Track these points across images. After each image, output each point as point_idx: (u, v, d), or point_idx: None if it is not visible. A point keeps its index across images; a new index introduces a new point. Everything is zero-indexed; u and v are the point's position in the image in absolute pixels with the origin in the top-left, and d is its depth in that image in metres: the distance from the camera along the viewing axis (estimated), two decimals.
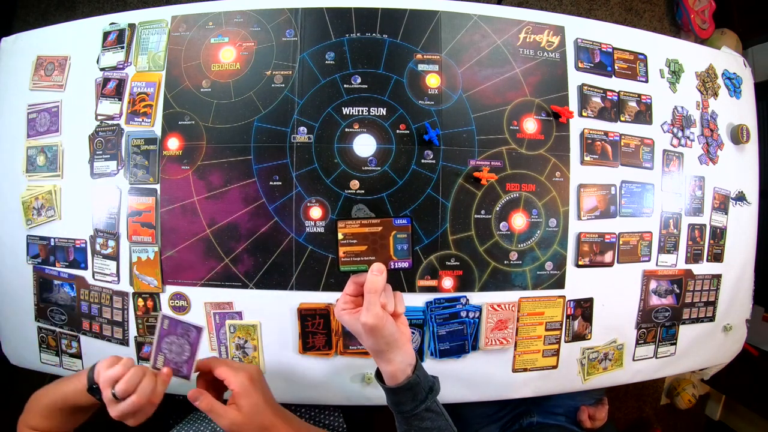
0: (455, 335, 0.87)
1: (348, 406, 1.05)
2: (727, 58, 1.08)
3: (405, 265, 0.58)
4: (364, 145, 0.85)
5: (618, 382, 0.98)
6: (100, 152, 0.89)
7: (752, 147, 1.08)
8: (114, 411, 0.56)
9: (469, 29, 0.89)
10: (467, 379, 0.90)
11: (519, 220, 0.89)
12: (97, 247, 0.89)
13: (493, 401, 0.95)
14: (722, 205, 1.03)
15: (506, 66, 0.89)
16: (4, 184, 0.95)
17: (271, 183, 0.85)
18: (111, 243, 0.88)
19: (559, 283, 0.91)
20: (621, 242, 0.93)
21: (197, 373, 0.64)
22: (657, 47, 0.99)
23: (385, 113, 0.86)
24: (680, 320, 1.01)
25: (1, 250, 0.97)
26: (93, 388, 0.60)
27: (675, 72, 1.00)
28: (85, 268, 0.90)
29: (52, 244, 0.92)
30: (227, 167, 0.85)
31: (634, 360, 0.98)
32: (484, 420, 1.06)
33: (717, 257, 1.03)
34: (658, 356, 0.99)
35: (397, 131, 0.86)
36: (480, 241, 0.87)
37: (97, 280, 0.90)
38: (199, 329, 0.63)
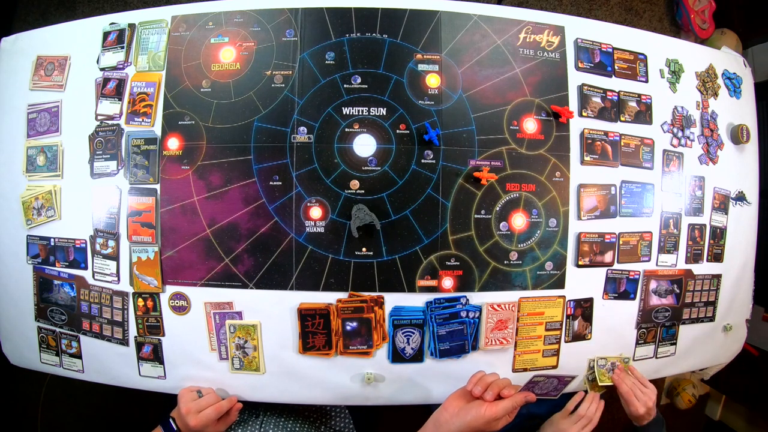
0: (455, 335, 0.87)
1: (350, 406, 1.06)
2: (727, 58, 1.08)
3: None
4: (364, 145, 0.85)
5: None
6: (100, 152, 0.89)
7: (752, 147, 1.08)
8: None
9: (469, 29, 0.89)
10: (467, 379, 0.90)
11: (519, 220, 0.89)
12: (97, 247, 0.89)
13: None
14: (722, 205, 1.03)
15: (506, 66, 0.89)
16: (4, 184, 0.95)
17: (271, 183, 0.85)
18: (111, 243, 0.88)
19: (559, 283, 0.91)
20: (621, 242, 0.93)
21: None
22: (657, 47, 0.99)
23: (385, 113, 0.86)
24: (680, 320, 1.01)
25: (1, 250, 0.97)
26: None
27: (675, 72, 1.00)
28: (85, 268, 0.90)
29: (52, 244, 0.92)
30: (227, 167, 0.85)
31: (634, 360, 0.98)
32: None
33: (717, 257, 1.03)
34: (658, 356, 0.99)
35: (397, 131, 0.86)
36: (480, 241, 0.87)
37: (97, 280, 0.90)
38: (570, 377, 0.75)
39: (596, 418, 0.90)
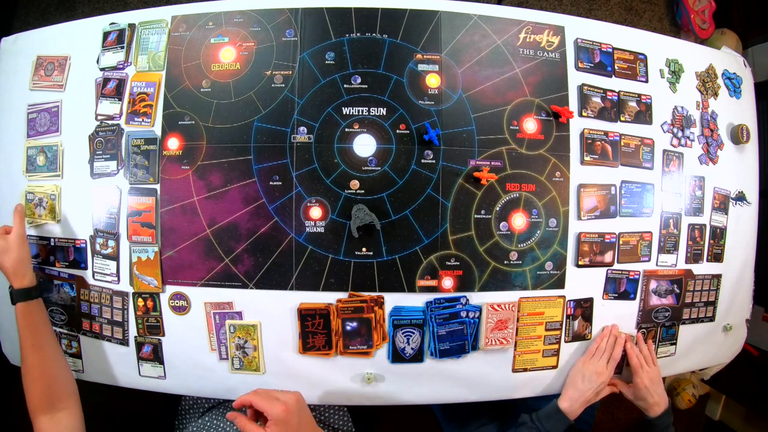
0: (455, 335, 0.87)
1: (349, 406, 1.06)
2: (727, 58, 1.08)
3: None
4: (364, 145, 0.85)
5: None
6: (100, 152, 0.89)
7: (752, 147, 1.08)
8: None
9: (469, 29, 0.89)
10: (467, 379, 0.90)
11: (519, 220, 0.89)
12: (97, 247, 0.89)
13: (491, 402, 0.95)
14: (722, 205, 1.03)
15: (506, 66, 0.89)
16: (4, 184, 0.95)
17: (271, 183, 0.85)
18: (111, 243, 0.88)
19: (559, 283, 0.91)
20: (621, 242, 0.93)
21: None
22: (657, 47, 0.99)
23: (385, 113, 0.86)
24: (680, 320, 1.01)
25: None
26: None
27: (675, 72, 1.00)
28: (85, 268, 0.90)
29: (52, 244, 0.92)
30: (227, 167, 0.85)
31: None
32: (483, 419, 1.06)
33: (717, 257, 1.03)
34: (658, 356, 0.99)
35: (397, 131, 0.86)
36: (480, 241, 0.87)
37: (97, 280, 0.90)
38: None
39: (617, 351, 0.90)
